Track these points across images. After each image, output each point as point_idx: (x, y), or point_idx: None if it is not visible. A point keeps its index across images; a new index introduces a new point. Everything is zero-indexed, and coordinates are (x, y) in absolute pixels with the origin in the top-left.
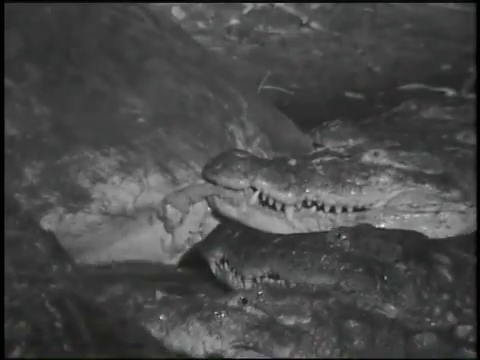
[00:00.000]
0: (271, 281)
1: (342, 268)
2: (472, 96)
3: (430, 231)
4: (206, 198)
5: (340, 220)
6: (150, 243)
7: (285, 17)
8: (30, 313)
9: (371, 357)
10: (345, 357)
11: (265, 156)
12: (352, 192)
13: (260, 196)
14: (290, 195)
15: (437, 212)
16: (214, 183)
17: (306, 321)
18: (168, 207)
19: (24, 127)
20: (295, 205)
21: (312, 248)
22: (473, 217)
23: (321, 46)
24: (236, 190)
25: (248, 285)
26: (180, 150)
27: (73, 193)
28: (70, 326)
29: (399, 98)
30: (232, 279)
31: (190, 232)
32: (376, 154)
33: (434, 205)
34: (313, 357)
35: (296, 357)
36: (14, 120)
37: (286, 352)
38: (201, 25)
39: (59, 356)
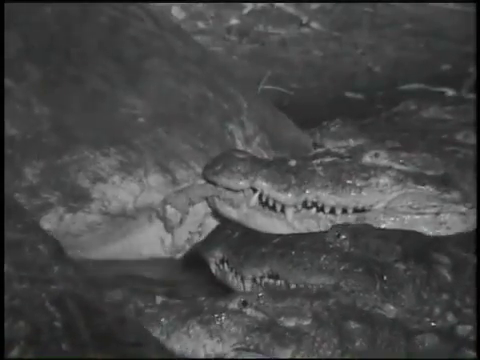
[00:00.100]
0: (271, 281)
1: (341, 268)
2: (472, 96)
3: (430, 233)
4: (206, 199)
5: (340, 221)
6: (150, 243)
7: (285, 17)
8: (30, 313)
9: (372, 358)
10: (347, 358)
11: (265, 156)
12: (352, 193)
13: (260, 197)
14: (290, 196)
15: (437, 213)
16: (214, 184)
17: (307, 322)
18: (168, 207)
19: (24, 127)
20: (295, 206)
21: (311, 248)
22: (473, 218)
23: (321, 46)
24: (236, 191)
25: (248, 285)
26: (180, 150)
27: (73, 193)
28: (69, 325)
29: (399, 98)
30: (232, 279)
31: (190, 232)
32: (376, 155)
33: (434, 206)
34: (314, 358)
35: (297, 358)
36: (14, 120)
37: (287, 353)
38: (201, 25)
39: (57, 356)
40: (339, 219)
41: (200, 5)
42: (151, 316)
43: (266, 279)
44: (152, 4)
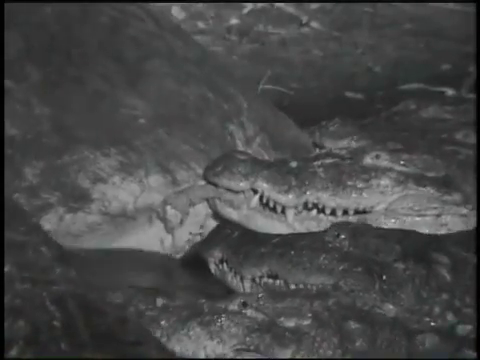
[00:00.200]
0: (270, 281)
1: (341, 268)
2: (472, 96)
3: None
4: (207, 200)
5: None
6: (150, 244)
7: (285, 17)
8: (30, 312)
9: (373, 358)
10: (347, 358)
11: (265, 156)
12: (353, 195)
13: (261, 198)
14: (291, 197)
15: (438, 215)
16: (215, 185)
17: (306, 322)
18: (168, 208)
19: (24, 127)
20: (296, 207)
21: (311, 248)
22: (474, 220)
23: (321, 46)
24: (237, 192)
25: (247, 285)
26: (181, 151)
27: (73, 193)
28: (69, 325)
29: (399, 98)
30: (231, 279)
31: (190, 233)
32: (377, 156)
33: (435, 208)
34: (315, 358)
35: (297, 358)
36: (14, 120)
37: (287, 354)
38: (201, 25)
39: (56, 356)
40: (340, 221)
41: (200, 5)
42: (152, 318)
43: (265, 279)
44: (152, 4)
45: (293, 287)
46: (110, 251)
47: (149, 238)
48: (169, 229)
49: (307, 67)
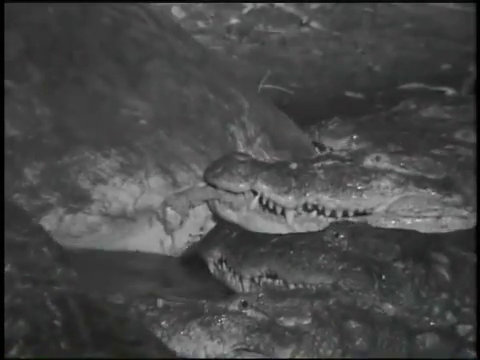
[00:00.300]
0: (269, 281)
1: (340, 267)
2: (472, 95)
3: None
4: (207, 202)
5: None
6: (150, 245)
7: (285, 16)
8: (30, 312)
9: (373, 358)
10: (347, 357)
11: (266, 156)
12: (353, 196)
13: (260, 200)
14: (290, 199)
15: (439, 217)
16: (214, 186)
17: (306, 322)
18: (168, 209)
19: (25, 128)
20: (295, 209)
21: (310, 247)
22: (474, 222)
23: (321, 45)
24: (236, 194)
25: (246, 285)
26: (181, 152)
27: (73, 194)
28: (69, 324)
29: (399, 97)
30: (230, 279)
31: (190, 235)
32: (378, 158)
33: (435, 210)
34: (315, 358)
35: (297, 358)
36: (15, 121)
37: (287, 353)
38: (201, 24)
39: (56, 355)
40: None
41: (200, 5)
42: (152, 319)
43: (264, 279)
44: (153, 4)
45: (292, 287)
46: (110, 253)
47: (149, 239)
48: (169, 231)
49: (307, 67)
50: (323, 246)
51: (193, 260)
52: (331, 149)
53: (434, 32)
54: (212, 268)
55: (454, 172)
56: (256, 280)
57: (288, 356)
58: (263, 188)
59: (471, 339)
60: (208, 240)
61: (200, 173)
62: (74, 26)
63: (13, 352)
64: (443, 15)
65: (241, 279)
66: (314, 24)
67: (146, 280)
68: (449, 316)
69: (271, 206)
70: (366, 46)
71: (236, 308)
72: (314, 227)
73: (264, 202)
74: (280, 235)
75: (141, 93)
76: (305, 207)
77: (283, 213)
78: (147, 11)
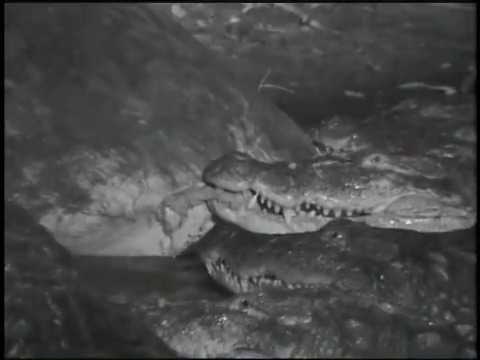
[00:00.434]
0: (267, 281)
1: (338, 267)
2: (472, 95)
3: None
4: (206, 202)
5: None
6: (149, 246)
7: (285, 16)
8: (31, 311)
9: (374, 357)
10: (348, 357)
11: (266, 156)
12: (351, 196)
13: (259, 199)
14: (289, 198)
15: (437, 217)
16: (213, 186)
17: (307, 321)
18: (167, 210)
19: (25, 127)
20: (294, 208)
21: (308, 248)
22: (473, 222)
23: (321, 45)
24: (235, 193)
25: (244, 286)
26: (180, 152)
27: (72, 194)
28: (69, 323)
29: (399, 97)
30: (228, 280)
31: (189, 235)
32: (377, 159)
33: (434, 210)
34: (315, 357)
35: (297, 358)
36: (15, 120)
37: (287, 352)
38: (201, 24)
39: (56, 355)
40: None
41: (200, 4)
42: (153, 319)
43: (263, 279)
44: (153, 4)
45: (291, 287)
46: (110, 254)
47: (148, 240)
48: (168, 231)
49: (307, 66)
50: (321, 246)
51: (193, 260)
52: (331, 149)
53: (434, 31)
54: (210, 269)
55: (454, 172)
56: (254, 281)
57: (288, 355)
58: (261, 187)
59: (471, 339)
60: (206, 241)
61: (199, 173)
62: (74, 26)
63: (13, 352)
64: (443, 14)
65: (239, 280)
66: (314, 23)
67: (146, 281)
68: (448, 316)
69: (269, 205)
70: (366, 45)
71: (237, 307)
72: (312, 227)
73: (262, 201)
74: (278, 235)
75: (141, 93)
76: (303, 207)
77: (281, 213)
78: (147, 11)
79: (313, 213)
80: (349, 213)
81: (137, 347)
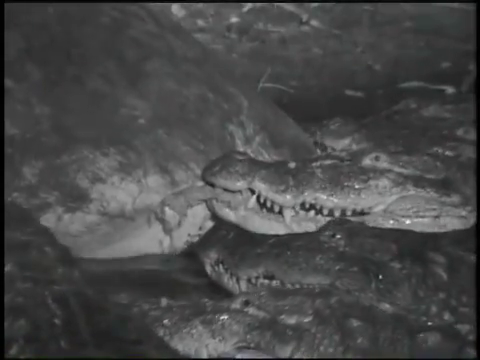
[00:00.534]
0: (266, 282)
1: (337, 267)
2: (472, 94)
3: None
4: (205, 201)
5: None
6: (149, 245)
7: (285, 15)
8: (31, 311)
9: (375, 357)
10: (348, 357)
11: (265, 155)
12: (351, 195)
13: (258, 199)
14: (288, 197)
15: (437, 217)
16: (212, 185)
17: (307, 320)
18: (166, 209)
19: (24, 126)
20: (293, 208)
21: (307, 248)
22: (473, 222)
23: (321, 44)
24: (234, 192)
25: (243, 286)
26: (180, 152)
27: (72, 193)
28: (69, 323)
29: (399, 96)
30: (227, 280)
31: (189, 235)
32: (377, 158)
33: (434, 210)
34: (315, 356)
35: (297, 357)
36: (14, 120)
37: (288, 350)
38: (201, 23)
39: (56, 355)
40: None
41: (200, 3)
42: (155, 318)
43: (261, 280)
44: (153, 4)
45: (289, 287)
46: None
47: (148, 239)
48: (167, 230)
49: (307, 65)
50: (320, 246)
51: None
52: (333, 149)
53: (434, 30)
54: (209, 269)
55: (454, 172)
56: (253, 281)
57: (289, 354)
58: (261, 186)
59: (471, 338)
60: (205, 241)
61: (198, 172)
62: (73, 26)
63: (13, 351)
64: (443, 14)
65: (238, 280)
66: (314, 22)
67: (147, 281)
68: (447, 316)
69: (269, 205)
70: (366, 45)
71: (238, 306)
72: (312, 227)
73: (262, 201)
74: (277, 236)
75: (140, 92)
76: (303, 206)
77: (281, 212)
78: (147, 10)
79: (312, 212)
80: (348, 212)
81: (137, 346)
